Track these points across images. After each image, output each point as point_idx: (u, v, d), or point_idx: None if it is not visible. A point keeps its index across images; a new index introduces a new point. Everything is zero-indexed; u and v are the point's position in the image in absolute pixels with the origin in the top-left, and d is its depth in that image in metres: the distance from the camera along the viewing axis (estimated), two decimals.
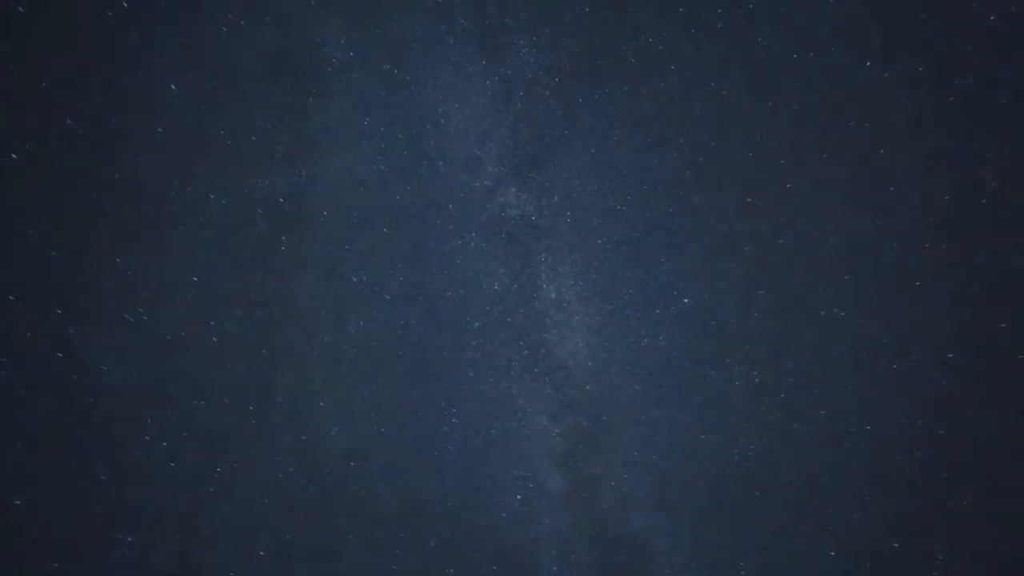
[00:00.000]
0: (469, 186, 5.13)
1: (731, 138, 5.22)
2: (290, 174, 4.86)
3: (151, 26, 4.43)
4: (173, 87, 4.58)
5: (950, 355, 5.27)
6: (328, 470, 5.19)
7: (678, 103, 5.17)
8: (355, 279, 5.02)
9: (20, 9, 4.15)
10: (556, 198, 5.18)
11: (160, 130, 4.61)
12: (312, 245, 4.94)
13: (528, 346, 5.31)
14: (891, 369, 5.39)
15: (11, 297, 4.55)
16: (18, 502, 4.72)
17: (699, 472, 5.54)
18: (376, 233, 5.02)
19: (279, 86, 4.77)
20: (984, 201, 5.09)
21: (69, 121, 4.40)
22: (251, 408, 4.98)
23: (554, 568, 5.49)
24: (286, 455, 5.12)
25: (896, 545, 5.50)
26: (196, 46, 4.60)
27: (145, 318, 4.78)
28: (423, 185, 5.05)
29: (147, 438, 4.83)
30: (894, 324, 5.38)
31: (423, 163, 5.03)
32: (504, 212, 5.15)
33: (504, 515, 5.38)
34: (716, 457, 5.51)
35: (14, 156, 4.40)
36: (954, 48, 4.88)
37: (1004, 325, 5.22)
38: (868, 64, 5.08)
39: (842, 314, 5.43)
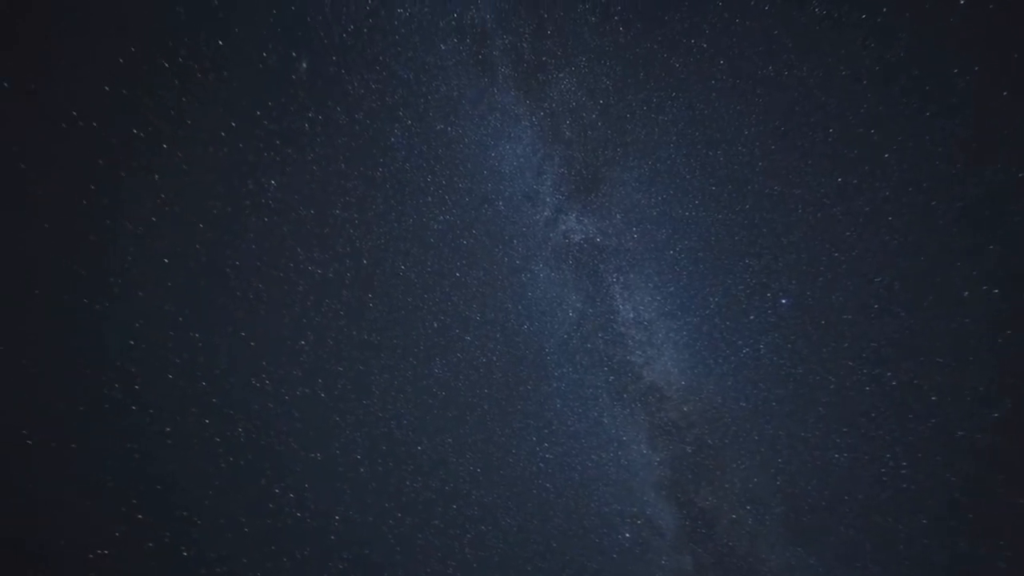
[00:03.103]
0: (531, 219, 5.24)
1: (805, 118, 4.76)
2: (369, 239, 5.37)
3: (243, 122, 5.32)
4: (273, 182, 5.40)
5: None
6: (433, 515, 5.31)
7: (735, 96, 4.89)
8: (436, 324, 5.29)
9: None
10: (618, 216, 5.07)
11: (266, 219, 5.42)
12: (393, 298, 5.33)
13: (613, 371, 5.09)
14: None
15: (170, 376, 5.49)
16: (185, 553, 5.47)
17: (841, 498, 4.72)
18: (449, 279, 5.28)
19: (353, 164, 5.39)
20: None
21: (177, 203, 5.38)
22: (358, 456, 5.34)
23: None
24: (394, 502, 5.35)
25: None
26: (285, 146, 5.41)
27: (267, 381, 5.45)
28: (487, 226, 5.27)
29: (276, 491, 5.38)
30: None
31: (484, 207, 5.26)
32: (568, 239, 5.15)
33: (615, 556, 5.02)
34: (859, 479, 4.67)
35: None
36: None
37: None
38: (963, 3, 4.42)
39: (995, 291, 4.48)
